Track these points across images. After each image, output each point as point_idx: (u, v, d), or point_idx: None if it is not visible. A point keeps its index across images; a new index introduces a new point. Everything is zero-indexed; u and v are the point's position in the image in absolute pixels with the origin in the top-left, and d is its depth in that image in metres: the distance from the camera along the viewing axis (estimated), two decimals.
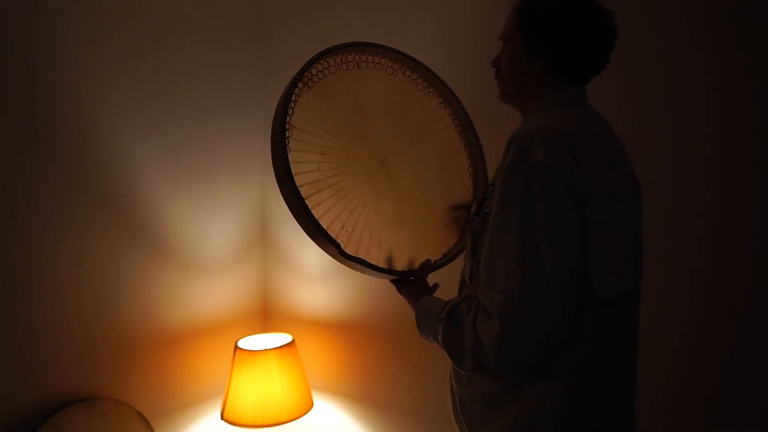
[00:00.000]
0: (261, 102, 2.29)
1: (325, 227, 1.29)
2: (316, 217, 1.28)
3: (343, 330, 2.17)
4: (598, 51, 1.15)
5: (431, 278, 1.40)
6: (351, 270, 1.35)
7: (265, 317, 2.38)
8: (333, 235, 1.30)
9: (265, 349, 1.98)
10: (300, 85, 1.35)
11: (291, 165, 1.28)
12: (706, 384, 1.54)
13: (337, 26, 2.13)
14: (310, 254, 2.22)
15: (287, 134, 1.30)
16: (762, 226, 1.48)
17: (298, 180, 1.29)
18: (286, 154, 1.28)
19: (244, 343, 2.05)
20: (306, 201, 1.28)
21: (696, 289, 1.55)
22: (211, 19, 2.15)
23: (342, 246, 1.30)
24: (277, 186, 1.32)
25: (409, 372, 2.03)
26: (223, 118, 2.18)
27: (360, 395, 2.15)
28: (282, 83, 1.39)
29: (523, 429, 1.07)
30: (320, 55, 1.39)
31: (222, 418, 1.99)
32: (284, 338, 2.11)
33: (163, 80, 2.00)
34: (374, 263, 1.34)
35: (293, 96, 1.32)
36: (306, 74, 1.36)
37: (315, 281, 2.22)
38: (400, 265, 1.39)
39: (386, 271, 1.36)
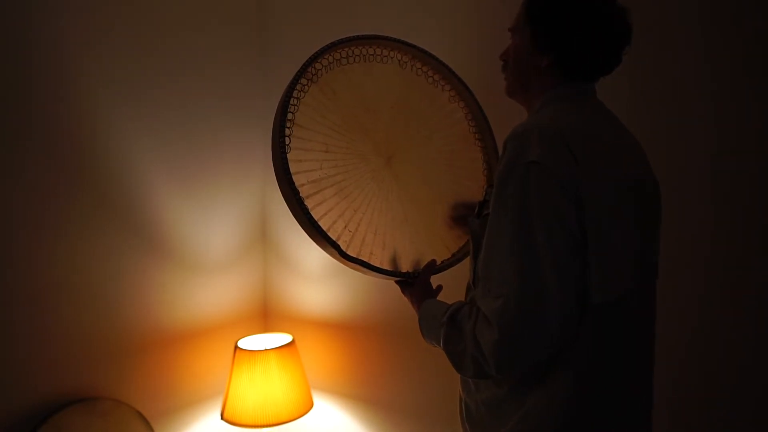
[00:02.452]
0: (261, 100, 2.29)
1: (326, 227, 1.25)
2: (318, 217, 1.25)
3: (343, 330, 2.17)
4: (607, 48, 1.11)
5: (438, 279, 1.36)
6: (351, 270, 1.33)
7: (265, 317, 2.38)
8: (335, 235, 1.26)
9: (265, 349, 1.98)
10: (303, 80, 1.30)
11: (290, 163, 1.24)
12: (719, 382, 1.54)
13: (337, 23, 2.12)
14: (310, 254, 2.21)
15: (287, 132, 1.25)
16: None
17: (300, 179, 1.25)
18: (285, 152, 1.24)
19: (244, 343, 2.05)
20: (307, 200, 1.24)
21: (707, 286, 1.55)
22: (211, 18, 2.14)
23: (342, 247, 1.26)
24: (276, 186, 1.29)
25: (409, 372, 2.03)
26: (223, 117, 2.18)
27: (360, 395, 2.15)
28: (282, 81, 1.36)
29: None
30: (325, 49, 1.33)
31: (222, 418, 1.99)
32: (284, 338, 2.11)
33: (163, 79, 1.99)
34: (376, 265, 1.30)
35: (295, 92, 1.28)
36: (310, 69, 1.31)
37: (315, 281, 2.22)
38: (405, 266, 1.35)
39: (388, 272, 1.32)
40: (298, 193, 1.23)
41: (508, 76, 1.21)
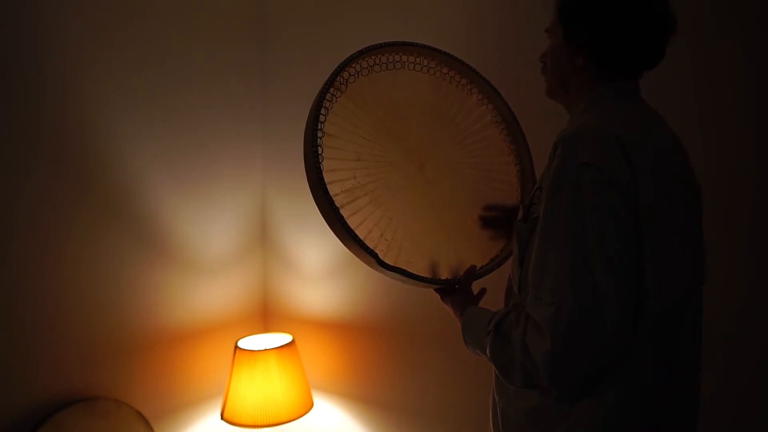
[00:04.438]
0: (261, 104, 2.29)
1: (362, 237, 1.22)
2: (353, 226, 1.22)
3: (343, 330, 2.17)
4: (643, 41, 1.06)
5: (478, 284, 1.33)
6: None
7: (265, 317, 2.38)
8: (372, 245, 1.23)
9: (265, 349, 1.98)
10: (332, 90, 1.29)
11: (324, 174, 1.22)
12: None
13: (338, 31, 2.12)
14: (310, 254, 2.22)
15: (320, 141, 1.24)
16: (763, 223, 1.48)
17: (333, 189, 1.22)
18: (319, 162, 1.22)
19: (244, 343, 2.05)
20: (342, 210, 1.22)
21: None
22: (212, 24, 2.15)
23: (380, 255, 1.23)
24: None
25: (409, 372, 2.03)
26: (223, 120, 2.18)
27: (360, 395, 2.15)
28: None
29: None
30: (352, 58, 1.32)
31: (222, 418, 1.99)
32: (284, 338, 2.11)
33: (165, 83, 2.00)
34: (415, 272, 1.27)
35: (325, 102, 1.27)
36: (338, 78, 1.30)
37: (315, 281, 2.22)
38: (443, 273, 1.32)
39: (428, 280, 1.29)
40: (333, 202, 1.21)
41: (548, 78, 1.18)
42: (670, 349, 1.01)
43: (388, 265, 1.24)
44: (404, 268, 1.25)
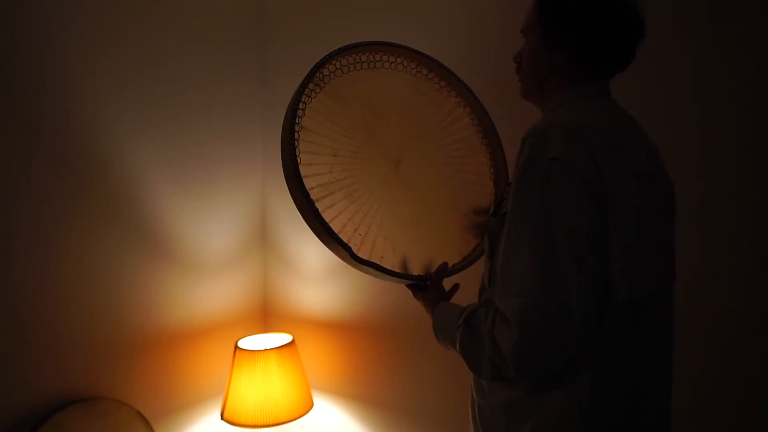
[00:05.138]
0: (261, 104, 2.29)
1: (336, 231, 1.24)
2: (328, 220, 1.24)
3: (343, 330, 2.17)
4: (619, 45, 1.10)
5: (451, 281, 1.35)
6: (351, 270, 1.32)
7: (265, 317, 2.38)
8: (345, 239, 1.25)
9: (265, 349, 1.98)
10: (311, 86, 1.31)
11: (300, 167, 1.24)
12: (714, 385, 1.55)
13: (337, 31, 2.13)
14: (310, 254, 2.22)
15: (296, 135, 1.26)
16: (761, 224, 1.48)
17: (309, 182, 1.25)
18: (295, 155, 1.24)
19: (244, 343, 2.05)
20: (317, 203, 1.24)
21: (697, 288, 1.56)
22: (212, 24, 2.15)
23: (354, 249, 1.25)
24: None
25: (409, 372, 2.03)
26: (223, 120, 2.18)
27: (360, 395, 2.15)
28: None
29: None
30: (332, 56, 1.34)
31: (222, 418, 1.99)
32: (284, 338, 2.11)
33: (165, 83, 2.00)
34: (388, 267, 1.29)
35: (303, 97, 1.29)
36: (317, 74, 1.32)
37: (315, 281, 2.22)
38: (415, 270, 1.34)
39: (400, 275, 1.31)
40: (308, 195, 1.23)
41: (523, 78, 1.20)
42: (638, 342, 1.03)
43: (361, 259, 1.26)
44: (377, 262, 1.27)
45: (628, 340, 1.01)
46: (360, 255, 1.26)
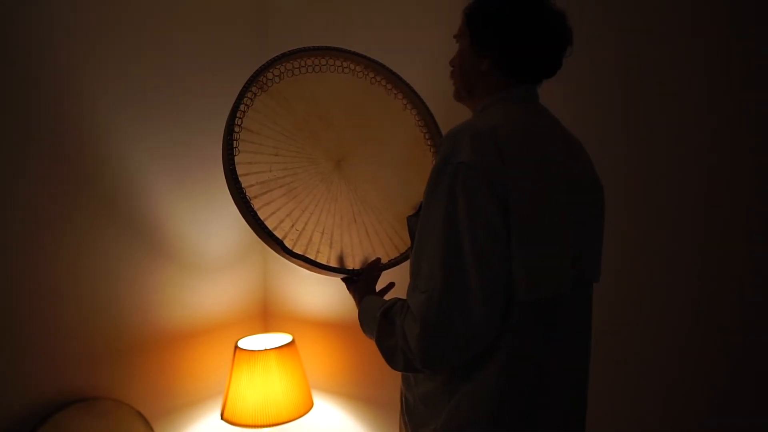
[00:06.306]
0: None
1: (272, 226, 1.31)
2: (265, 216, 1.31)
3: (343, 330, 2.17)
4: (544, 51, 1.14)
5: (391, 277, 1.42)
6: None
7: (265, 317, 2.38)
8: (282, 234, 1.33)
9: (265, 349, 1.98)
10: (254, 89, 1.38)
11: (239, 166, 1.31)
12: (709, 385, 1.55)
13: (337, 23, 2.13)
14: None
15: (235, 136, 1.33)
16: (762, 225, 1.48)
17: (249, 180, 1.32)
18: (233, 155, 1.31)
19: (244, 343, 2.05)
20: (255, 200, 1.31)
21: (698, 289, 1.55)
22: (211, 20, 2.15)
23: (289, 245, 1.32)
24: None
25: None
26: (222, 119, 2.17)
27: (360, 395, 2.15)
28: None
29: (453, 430, 1.07)
30: (275, 60, 1.41)
31: (222, 418, 1.99)
32: (284, 338, 2.11)
33: (163, 80, 2.00)
34: (322, 262, 1.36)
35: (245, 99, 1.36)
36: (261, 77, 1.39)
37: (315, 281, 2.22)
38: (352, 264, 1.41)
39: (331, 269, 1.37)
40: (242, 190, 1.30)
41: (455, 82, 1.24)
42: (544, 338, 1.07)
43: (292, 252, 1.32)
44: (310, 256, 1.34)
45: (532, 336, 1.05)
46: (295, 250, 1.33)
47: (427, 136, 1.57)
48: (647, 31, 1.59)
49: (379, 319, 1.13)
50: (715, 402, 1.54)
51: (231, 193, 1.34)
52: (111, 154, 1.87)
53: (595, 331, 1.21)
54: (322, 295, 2.22)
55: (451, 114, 1.52)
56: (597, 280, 1.19)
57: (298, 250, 1.34)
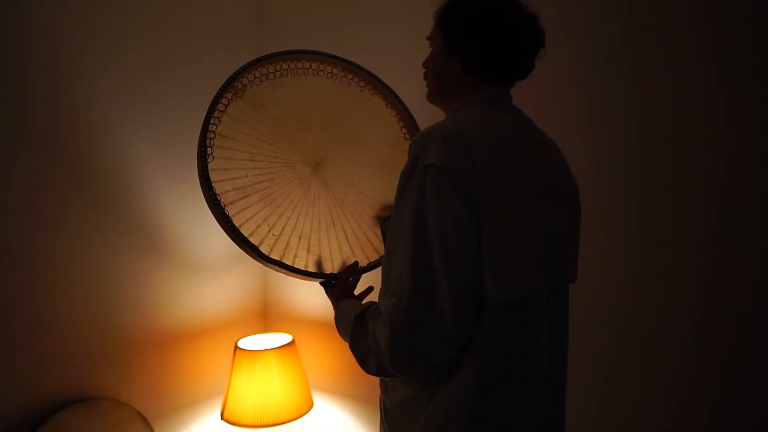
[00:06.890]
0: None
1: (249, 232, 1.31)
2: (242, 222, 1.31)
3: None
4: (516, 53, 1.13)
5: (369, 281, 1.40)
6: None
7: (265, 317, 2.38)
8: (258, 239, 1.32)
9: (265, 349, 1.98)
10: (228, 95, 1.37)
11: (213, 172, 1.31)
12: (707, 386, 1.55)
13: (336, 21, 2.13)
14: None
15: (209, 142, 1.32)
16: (762, 226, 1.48)
17: (224, 186, 1.32)
18: (206, 162, 1.30)
19: (244, 343, 2.05)
20: (231, 206, 1.31)
21: (698, 290, 1.55)
22: (209, 16, 2.15)
23: (265, 250, 1.31)
24: None
25: None
26: None
27: (360, 395, 2.15)
28: None
29: None
30: (250, 65, 1.39)
31: (222, 418, 1.99)
32: (284, 338, 2.11)
33: (161, 78, 2.00)
34: (299, 267, 1.35)
35: (219, 105, 1.35)
36: (236, 83, 1.38)
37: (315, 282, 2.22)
38: (330, 268, 1.40)
39: (308, 273, 1.37)
40: (216, 197, 1.29)
41: (428, 83, 1.23)
42: (517, 340, 1.06)
43: (268, 257, 1.32)
44: (286, 262, 1.34)
45: (505, 338, 1.04)
46: (272, 255, 1.33)
47: (407, 137, 1.56)
48: (639, 28, 1.59)
49: (353, 323, 1.13)
50: (714, 402, 1.54)
51: (206, 200, 1.33)
52: (108, 153, 1.86)
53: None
54: (322, 295, 2.20)
55: (437, 115, 1.51)
56: (573, 281, 1.18)
57: (274, 256, 1.33)
